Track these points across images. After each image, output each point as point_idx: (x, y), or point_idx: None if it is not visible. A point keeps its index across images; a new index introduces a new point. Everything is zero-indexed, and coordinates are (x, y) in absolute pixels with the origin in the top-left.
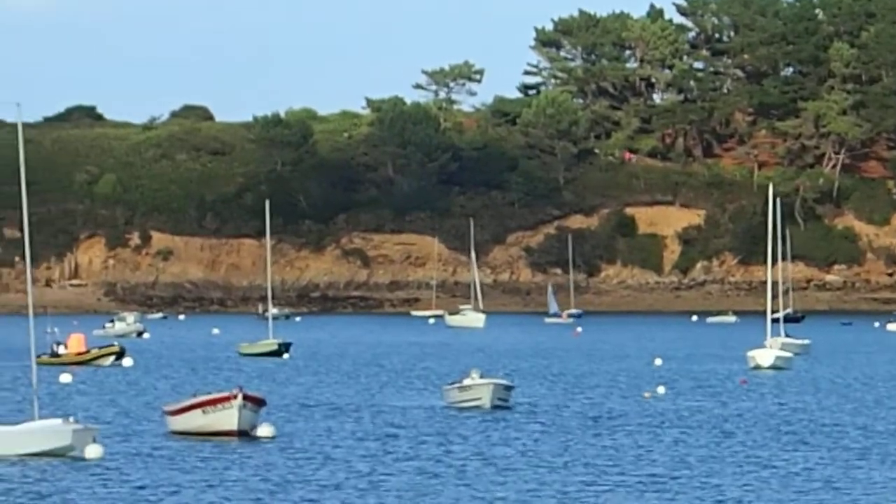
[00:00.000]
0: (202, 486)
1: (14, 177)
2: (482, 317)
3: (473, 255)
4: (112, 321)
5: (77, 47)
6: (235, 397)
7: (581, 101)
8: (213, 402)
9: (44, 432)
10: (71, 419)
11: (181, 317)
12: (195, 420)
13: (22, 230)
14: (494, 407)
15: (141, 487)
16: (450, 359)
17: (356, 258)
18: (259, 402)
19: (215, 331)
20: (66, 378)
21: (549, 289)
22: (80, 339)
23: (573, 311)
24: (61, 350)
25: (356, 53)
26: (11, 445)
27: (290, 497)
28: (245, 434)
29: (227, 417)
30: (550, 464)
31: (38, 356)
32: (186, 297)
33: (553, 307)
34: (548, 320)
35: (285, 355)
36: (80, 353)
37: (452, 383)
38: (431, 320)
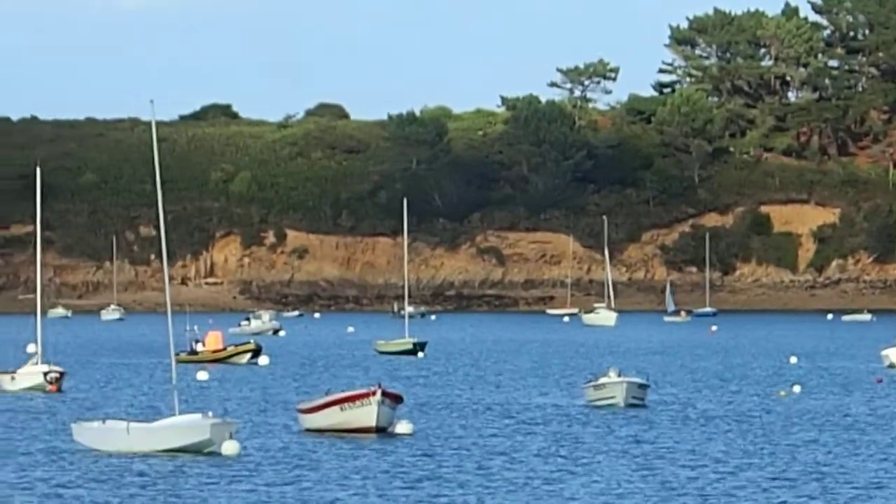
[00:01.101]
0: (339, 483)
1: (149, 175)
2: (614, 315)
3: (607, 253)
4: (248, 319)
5: (213, 45)
6: (374, 394)
7: (716, 99)
8: (352, 399)
9: (183, 428)
10: (210, 415)
11: (316, 315)
12: (333, 417)
13: (158, 228)
14: (629, 405)
15: (276, 483)
16: (582, 357)
17: (491, 256)
18: (397, 399)
19: (350, 329)
20: (202, 375)
21: (668, 287)
22: (217, 337)
23: (707, 309)
24: (199, 348)
25: (491, 51)
26: (152, 441)
27: (428, 493)
28: (383, 431)
29: (366, 414)
30: (683, 461)
31: (177, 354)
32: (321, 296)
33: (671, 306)
34: (667, 319)
35: (420, 354)
36: (216, 351)
37: (588, 381)
38: (566, 318)
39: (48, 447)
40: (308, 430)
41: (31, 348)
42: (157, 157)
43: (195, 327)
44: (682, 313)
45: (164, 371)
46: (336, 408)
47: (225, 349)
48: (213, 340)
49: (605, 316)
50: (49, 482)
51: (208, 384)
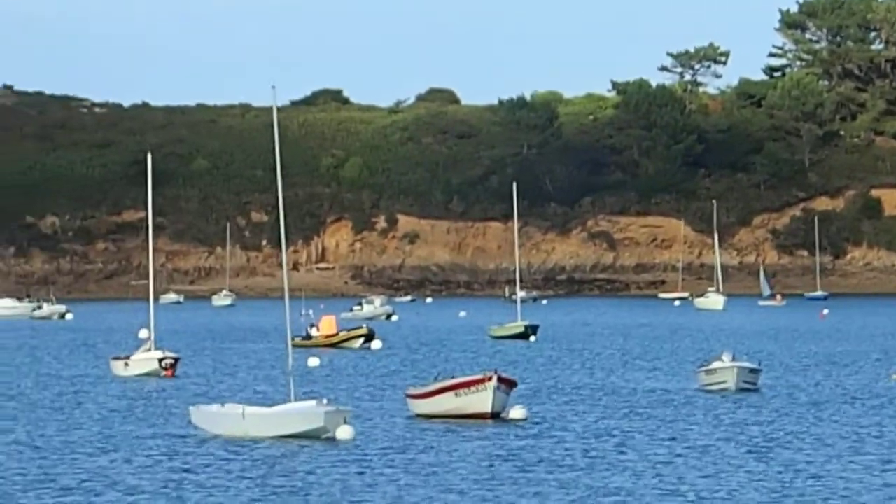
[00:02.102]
0: (453, 469)
1: (261, 161)
2: (722, 299)
3: (716, 237)
4: (360, 304)
5: (324, 30)
6: (490, 379)
7: (826, 82)
8: (468, 385)
9: (298, 414)
10: (324, 401)
11: (428, 300)
12: (447, 402)
13: (269, 214)
14: (741, 390)
15: (389, 469)
16: (691, 341)
17: (602, 241)
18: (511, 384)
19: (462, 314)
20: (313, 361)
21: (762, 272)
22: (331, 322)
23: (817, 293)
24: (314, 332)
25: (602, 36)
26: (267, 427)
27: (541, 478)
28: (497, 416)
29: (481, 400)
30: (795, 444)
31: (292, 339)
32: (433, 281)
33: (766, 290)
34: (762, 303)
35: (532, 338)
36: (330, 336)
37: (702, 366)
38: (677, 303)
39: (166, 432)
40: (420, 415)
41: (143, 334)
42: (277, 142)
43: (310, 312)
44: (778, 297)
45: (273, 355)
46: (451, 393)
47: (338, 334)
48: (327, 325)
49: (713, 300)
50: (168, 467)
51: (320, 369)
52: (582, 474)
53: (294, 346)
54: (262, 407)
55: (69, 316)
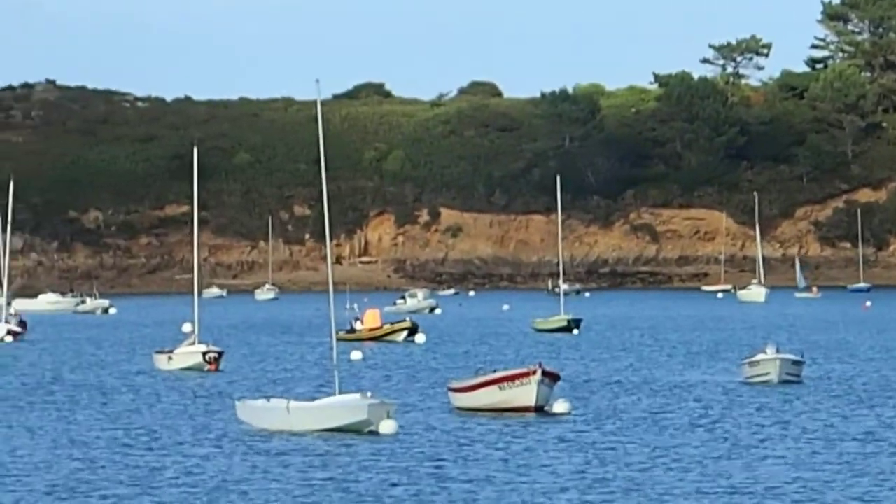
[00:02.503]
0: (497, 462)
1: (303, 154)
2: (764, 291)
3: (758, 229)
4: (403, 298)
5: (366, 24)
6: (534, 373)
7: (868, 74)
8: (512, 378)
9: (342, 408)
10: (368, 394)
11: (471, 293)
12: (491, 396)
13: (312, 208)
14: (783, 382)
15: (433, 462)
16: (734, 334)
17: (645, 233)
18: (555, 378)
19: (505, 307)
20: (356, 355)
21: (797, 263)
22: (375, 315)
23: (860, 285)
24: (358, 326)
25: (644, 28)
26: (311, 420)
27: (587, 472)
28: (540, 410)
29: (525, 393)
30: (838, 437)
31: (336, 332)
32: (475, 274)
33: (801, 282)
34: (798, 295)
35: (575, 331)
36: (374, 329)
37: (745, 358)
38: (720, 295)
39: (211, 426)
40: (461, 408)
41: (186, 328)
42: (321, 136)
43: (354, 305)
44: (814, 289)
45: (317, 349)
46: (495, 387)
47: (382, 327)
48: (371, 318)
49: (755, 292)
50: (213, 461)
51: (363, 363)
52: (624, 467)
53: (338, 339)
54: (306, 400)
55: (112, 311)
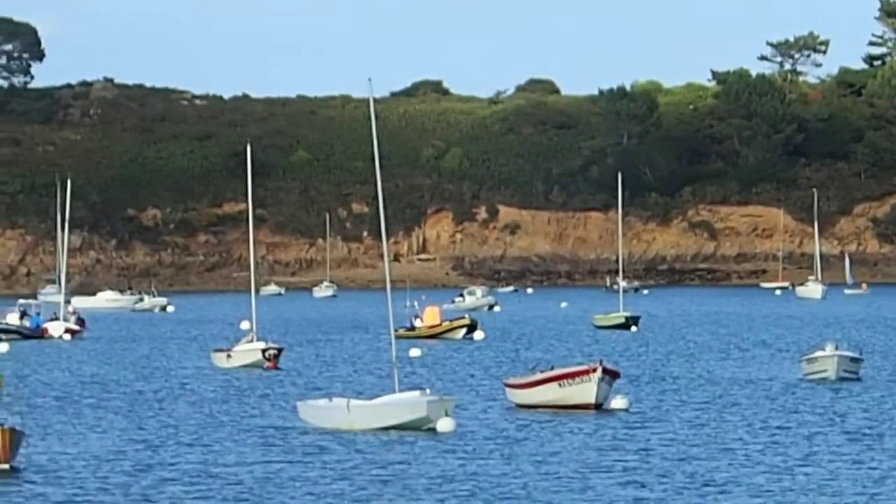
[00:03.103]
0: (555, 458)
1: (361, 152)
2: (820, 288)
3: (816, 226)
4: (461, 295)
5: (424, 22)
6: (595, 370)
7: None
8: (572, 376)
9: (401, 406)
10: (427, 392)
11: (529, 290)
12: (550, 393)
13: (370, 205)
14: (841, 379)
15: (491, 458)
16: (792, 330)
17: (703, 230)
18: (615, 375)
19: (563, 304)
20: (415, 352)
21: (847, 260)
22: (434, 312)
23: None
24: (417, 323)
25: (702, 25)
26: (371, 418)
27: (645, 468)
28: (599, 407)
29: (586, 390)
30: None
31: (396, 330)
32: (534, 271)
33: (851, 278)
34: (847, 292)
35: (633, 328)
36: (433, 326)
37: (804, 355)
38: (778, 292)
39: (272, 424)
40: (519, 405)
41: (244, 325)
42: (374, 134)
43: (415, 303)
44: (864, 286)
45: (376, 346)
46: (554, 384)
47: (441, 324)
48: (430, 315)
49: (812, 289)
50: (273, 459)
51: (422, 360)
52: (682, 463)
53: (398, 336)
54: (366, 398)
55: (170, 308)
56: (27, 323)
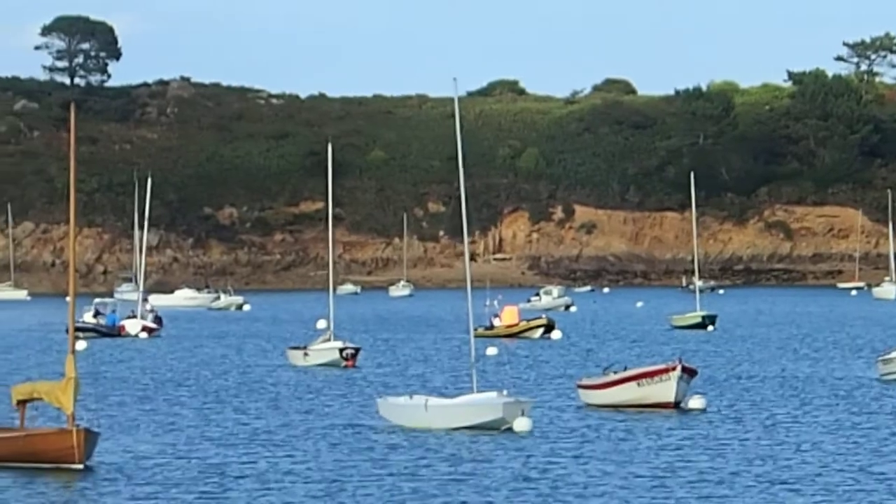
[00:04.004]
0: (632, 458)
1: (437, 151)
2: (894, 289)
3: (891, 227)
4: (538, 295)
5: (501, 21)
6: (674, 369)
7: None
8: (651, 375)
9: (478, 406)
10: (504, 392)
11: (605, 290)
12: (629, 392)
13: (446, 205)
14: None
15: (567, 458)
16: (866, 330)
17: (779, 231)
18: (693, 374)
19: (639, 304)
20: (491, 351)
21: None
22: (513, 312)
23: None
24: (496, 322)
25: (778, 25)
26: (448, 418)
27: (722, 468)
28: (677, 406)
29: (665, 389)
30: None
31: (475, 329)
32: (609, 271)
33: None
34: None
35: (710, 327)
36: (511, 326)
37: (880, 355)
38: (854, 292)
39: (352, 423)
40: (593, 405)
41: (320, 324)
42: (458, 134)
43: (495, 302)
44: None
45: (453, 345)
46: (633, 383)
47: (519, 324)
48: (509, 315)
49: (888, 290)
50: (353, 457)
51: (498, 359)
52: (757, 462)
53: (477, 336)
54: (444, 398)
55: (246, 307)
56: (102, 321)
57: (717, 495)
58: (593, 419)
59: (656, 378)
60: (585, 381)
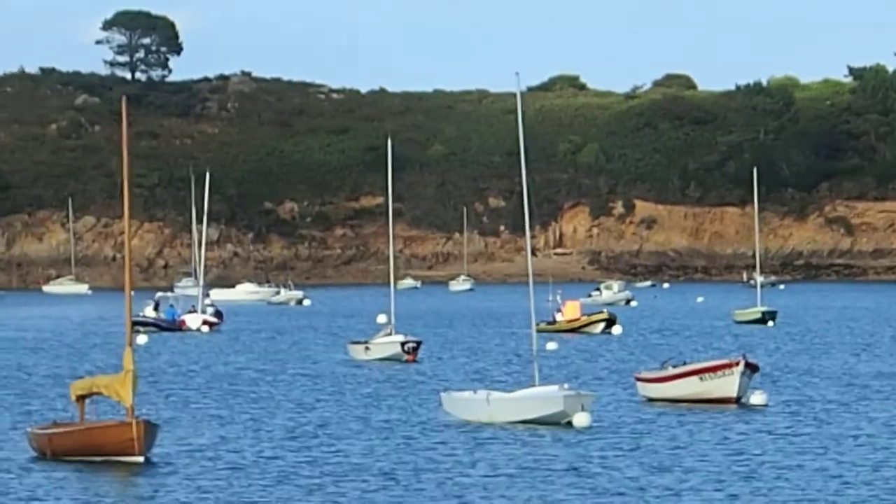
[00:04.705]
0: (693, 453)
1: (498, 146)
2: None
3: None
4: (598, 289)
5: (562, 16)
6: (738, 364)
7: None
8: (714, 369)
9: (539, 399)
10: (565, 386)
11: (665, 285)
12: (690, 387)
13: (506, 199)
14: None
15: (629, 453)
16: None
17: (839, 226)
18: (755, 369)
19: (699, 299)
20: (551, 346)
21: None
22: (575, 306)
23: None
24: (558, 317)
25: (838, 21)
26: (509, 412)
27: (784, 463)
28: (739, 401)
29: (727, 384)
30: None
31: (537, 323)
32: (670, 266)
33: None
34: None
35: (770, 323)
36: (572, 321)
37: None
38: None
39: (416, 417)
40: (652, 399)
41: (380, 319)
42: (521, 130)
43: (557, 297)
44: None
45: (514, 340)
46: (695, 378)
47: (580, 319)
48: (571, 309)
49: None
50: (414, 452)
51: (558, 354)
52: (821, 459)
53: (538, 330)
54: (506, 392)
55: (306, 301)
56: (161, 315)
57: (776, 489)
58: (652, 413)
59: (719, 373)
60: (645, 375)
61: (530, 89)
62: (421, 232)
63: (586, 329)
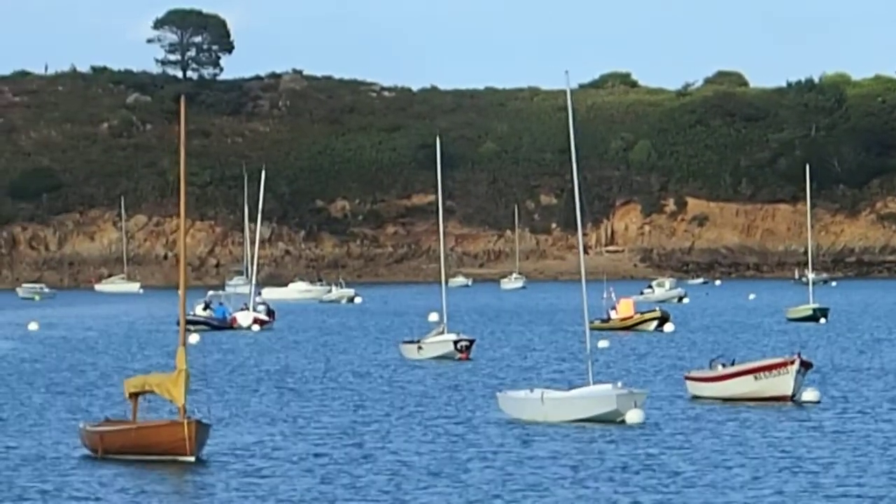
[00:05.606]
0: (743, 452)
1: (549, 144)
2: None
3: None
4: (650, 287)
5: (613, 13)
6: (793, 363)
7: None
8: (769, 368)
9: (592, 398)
10: (619, 385)
11: (717, 282)
12: (744, 385)
13: (558, 197)
14: None
15: (681, 451)
16: None
17: (891, 223)
18: (809, 367)
19: (751, 296)
20: (603, 343)
21: None
22: (628, 304)
23: None
24: (612, 315)
25: (889, 17)
26: (563, 411)
27: (837, 461)
28: (793, 399)
29: (782, 383)
30: None
31: (591, 321)
32: (722, 263)
33: None
34: None
35: (822, 320)
36: (625, 318)
37: None
38: None
39: (464, 415)
40: (703, 398)
41: (432, 317)
42: (571, 127)
43: (612, 294)
44: None
45: (566, 337)
46: (749, 377)
47: (633, 316)
48: (624, 307)
49: None
50: (469, 451)
51: (612, 351)
52: (871, 455)
53: (592, 328)
54: (560, 391)
55: (358, 300)
56: (212, 314)
57: (827, 485)
58: (704, 411)
59: (774, 372)
60: (695, 374)
61: (581, 86)
62: (472, 230)
63: (640, 327)
